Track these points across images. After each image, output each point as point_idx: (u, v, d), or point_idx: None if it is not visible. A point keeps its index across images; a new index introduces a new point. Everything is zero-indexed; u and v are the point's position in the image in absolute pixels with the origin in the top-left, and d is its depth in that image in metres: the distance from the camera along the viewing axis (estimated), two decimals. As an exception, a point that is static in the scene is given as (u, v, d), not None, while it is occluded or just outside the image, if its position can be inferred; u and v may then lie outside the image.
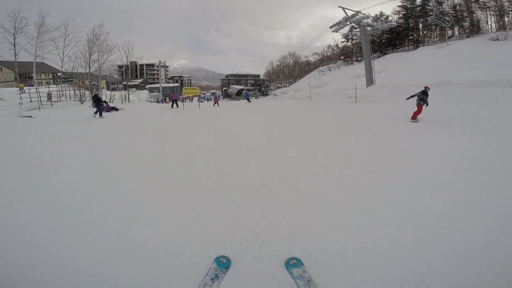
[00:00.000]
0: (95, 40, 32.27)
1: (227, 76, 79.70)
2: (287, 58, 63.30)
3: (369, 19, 21.12)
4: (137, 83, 73.41)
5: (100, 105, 13.90)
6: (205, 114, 15.71)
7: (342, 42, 48.35)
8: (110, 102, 20.86)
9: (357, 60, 43.14)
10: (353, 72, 32.31)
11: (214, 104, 25.50)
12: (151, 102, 46.91)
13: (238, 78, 76.61)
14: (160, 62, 48.38)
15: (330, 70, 43.31)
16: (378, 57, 41.38)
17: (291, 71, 62.14)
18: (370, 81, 20.30)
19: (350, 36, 46.63)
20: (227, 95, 64.10)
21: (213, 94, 78.50)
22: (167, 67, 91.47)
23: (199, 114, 15.28)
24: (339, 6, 20.90)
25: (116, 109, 18.58)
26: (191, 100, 36.99)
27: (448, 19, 31.83)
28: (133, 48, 40.18)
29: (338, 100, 17.81)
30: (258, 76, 77.81)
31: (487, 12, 33.70)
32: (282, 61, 64.26)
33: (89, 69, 31.86)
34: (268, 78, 74.54)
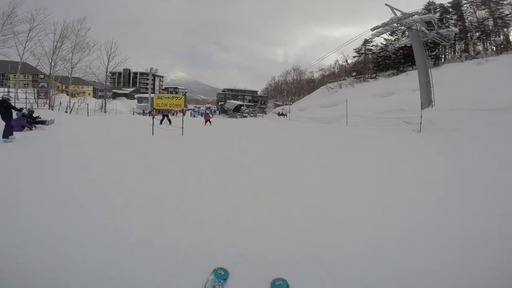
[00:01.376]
0: (69, 35, 26.65)
1: (223, 90, 76.09)
2: (290, 73, 58.79)
3: (423, 23, 16.41)
4: (128, 92, 67.95)
5: (8, 118, 8.13)
6: (190, 141, 10.08)
7: (354, 57, 44.18)
8: (29, 110, 13.46)
9: (371, 77, 38.61)
10: (373, 90, 27.64)
11: (206, 122, 20.27)
12: (136, 113, 40.97)
13: (235, 93, 72.89)
14: (151, 69, 42.92)
15: (341, 87, 38.42)
16: (394, 75, 37.13)
17: (295, 87, 57.30)
18: (427, 101, 15.05)
19: (363, 51, 42.40)
20: (223, 111, 58.92)
21: (208, 108, 73.97)
22: (162, 77, 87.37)
23: (179, 143, 9.50)
24: (386, 4, 16.82)
25: (43, 122, 12.32)
26: (175, 114, 30.74)
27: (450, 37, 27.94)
28: (117, 48, 33.48)
29: (384, 126, 12.45)
30: (255, 92, 74.08)
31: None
32: (285, 76, 59.72)
33: (50, 70, 25.80)
34: (266, 95, 70.59)
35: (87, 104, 24.13)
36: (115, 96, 65.21)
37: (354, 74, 40.57)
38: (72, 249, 2.44)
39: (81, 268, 2.19)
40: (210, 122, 20.32)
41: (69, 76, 28.72)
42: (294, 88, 57.45)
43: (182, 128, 11.96)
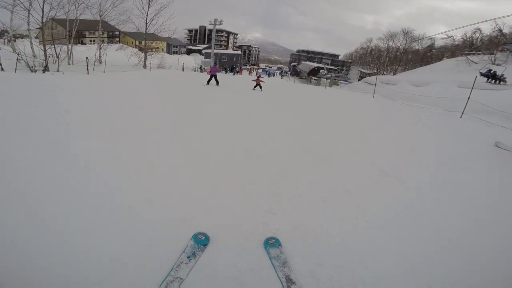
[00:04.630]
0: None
1: (298, 51, 68.30)
2: (397, 37, 46.30)
3: None
4: (201, 48, 66.93)
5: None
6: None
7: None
8: None
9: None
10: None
11: (255, 86, 14.83)
12: (198, 70, 38.31)
13: (311, 55, 64.63)
14: (215, 20, 38.12)
15: (494, 62, 26.53)
16: None
17: (402, 55, 45.34)
18: None
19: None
20: (295, 73, 52.14)
21: (279, 68, 68.35)
22: (236, 34, 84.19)
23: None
24: None
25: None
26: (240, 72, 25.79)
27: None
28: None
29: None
30: (336, 56, 64.10)
31: None
32: (387, 41, 47.60)
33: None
34: (350, 60, 60.00)
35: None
36: (189, 52, 65.59)
37: (506, 46, 27.94)
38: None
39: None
40: (260, 87, 14.77)
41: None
42: (401, 56, 45.32)
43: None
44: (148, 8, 24.58)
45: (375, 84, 17.80)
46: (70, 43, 18.36)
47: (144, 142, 4.35)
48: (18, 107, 5.38)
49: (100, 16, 22.17)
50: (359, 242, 2.33)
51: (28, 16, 15.85)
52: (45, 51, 13.15)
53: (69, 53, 18.12)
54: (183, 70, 32.55)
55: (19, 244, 1.96)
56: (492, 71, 17.59)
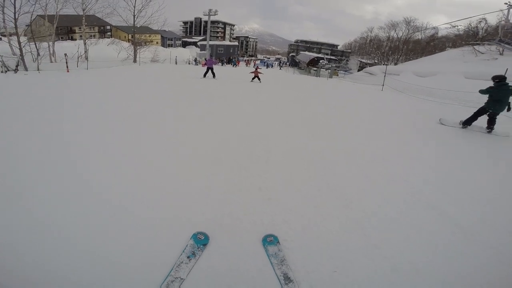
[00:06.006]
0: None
1: (296, 41, 67.07)
2: (400, 27, 44.41)
3: None
4: (197, 41, 65.24)
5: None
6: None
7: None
8: None
9: None
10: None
11: (254, 78, 14.29)
12: (193, 63, 37.02)
13: (309, 45, 63.52)
14: (210, 10, 36.26)
15: (502, 53, 25.03)
16: None
17: (402, 44, 43.45)
18: None
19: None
20: (294, 63, 50.73)
21: (277, 59, 66.99)
22: (233, 25, 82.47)
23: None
24: None
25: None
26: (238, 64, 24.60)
27: None
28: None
29: None
30: (335, 46, 62.76)
31: None
32: (388, 31, 45.68)
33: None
34: (349, 50, 58.69)
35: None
36: (185, 44, 64.01)
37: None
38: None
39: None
40: (259, 78, 14.21)
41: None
42: (402, 46, 43.50)
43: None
44: (136, -1, 22.94)
45: (384, 76, 16.22)
46: (51, 40, 17.03)
47: (140, 141, 4.23)
48: None
49: (83, 10, 20.52)
50: (358, 240, 2.27)
51: (3, 13, 14.55)
52: (20, 49, 11.96)
53: (51, 50, 16.89)
54: (176, 63, 31.34)
55: (18, 244, 1.97)
56: None
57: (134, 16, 23.46)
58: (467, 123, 6.25)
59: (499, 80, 5.80)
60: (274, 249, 2.09)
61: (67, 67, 11.76)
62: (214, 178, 3.14)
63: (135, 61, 23.80)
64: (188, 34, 75.76)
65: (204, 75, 13.59)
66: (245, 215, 2.50)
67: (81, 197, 2.56)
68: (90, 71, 12.82)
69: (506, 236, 2.42)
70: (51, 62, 16.19)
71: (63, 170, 3.03)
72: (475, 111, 6.15)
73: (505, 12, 28.68)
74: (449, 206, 2.87)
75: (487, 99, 5.94)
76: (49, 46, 16.70)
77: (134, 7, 23.02)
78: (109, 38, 39.61)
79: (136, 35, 26.50)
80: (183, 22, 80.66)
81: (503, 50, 24.18)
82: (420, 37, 42.66)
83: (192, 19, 79.28)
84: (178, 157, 3.67)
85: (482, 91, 5.98)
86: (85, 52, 18.46)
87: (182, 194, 2.75)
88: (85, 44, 19.26)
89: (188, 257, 1.96)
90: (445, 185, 3.39)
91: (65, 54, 12.24)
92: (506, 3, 27.46)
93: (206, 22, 75.86)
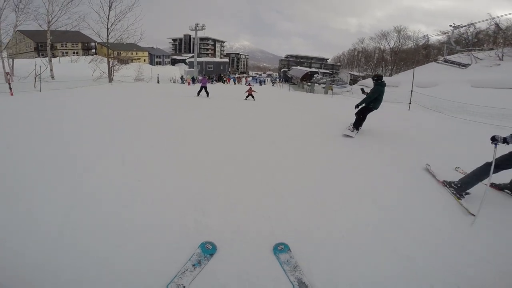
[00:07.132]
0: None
1: (286, 56, 66.92)
2: (391, 36, 44.01)
3: None
4: (186, 58, 64.14)
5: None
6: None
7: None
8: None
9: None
10: None
11: (248, 96, 13.80)
12: (178, 82, 34.97)
13: (300, 60, 63.47)
14: (196, 25, 34.57)
15: (502, 58, 24.02)
16: None
17: (394, 54, 42.91)
18: None
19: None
20: (286, 79, 49.46)
21: (269, 75, 66.37)
22: (223, 42, 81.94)
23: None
24: None
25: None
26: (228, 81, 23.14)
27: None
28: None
29: None
30: (325, 60, 62.88)
31: None
32: (379, 41, 45.24)
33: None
34: (339, 63, 58.51)
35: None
36: (174, 62, 62.51)
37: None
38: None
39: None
40: (253, 97, 13.79)
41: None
42: (393, 56, 42.96)
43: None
44: (109, 10, 20.57)
45: (411, 91, 12.45)
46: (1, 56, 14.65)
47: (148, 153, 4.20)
48: None
49: (49, 22, 18.19)
50: (371, 244, 2.26)
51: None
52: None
53: (5, 67, 14.42)
54: (158, 82, 29.18)
55: (19, 244, 1.98)
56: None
57: (107, 29, 21.09)
58: (357, 128, 6.05)
59: (378, 78, 6.01)
60: (285, 256, 2.11)
61: (10, 88, 9.43)
62: (224, 189, 3.10)
63: (110, 80, 21.29)
64: (177, 52, 74.72)
65: (198, 94, 13.94)
66: (255, 225, 2.46)
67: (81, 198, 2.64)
68: (43, 93, 10.51)
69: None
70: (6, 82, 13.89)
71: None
72: (355, 113, 6.08)
73: (449, 33, 28.99)
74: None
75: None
76: (3, 63, 14.34)
77: (108, 19, 20.84)
78: (93, 55, 37.66)
79: (122, 52, 24.45)
80: (172, 39, 79.55)
81: (502, 56, 23.34)
82: (412, 46, 42.09)
83: (182, 36, 78.44)
84: (188, 168, 3.60)
85: (370, 97, 5.90)
86: (49, 69, 16.07)
87: (193, 203, 2.74)
88: (50, 61, 16.89)
89: (193, 265, 1.97)
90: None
91: (7, 73, 9.96)
92: (450, 25, 28.53)
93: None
